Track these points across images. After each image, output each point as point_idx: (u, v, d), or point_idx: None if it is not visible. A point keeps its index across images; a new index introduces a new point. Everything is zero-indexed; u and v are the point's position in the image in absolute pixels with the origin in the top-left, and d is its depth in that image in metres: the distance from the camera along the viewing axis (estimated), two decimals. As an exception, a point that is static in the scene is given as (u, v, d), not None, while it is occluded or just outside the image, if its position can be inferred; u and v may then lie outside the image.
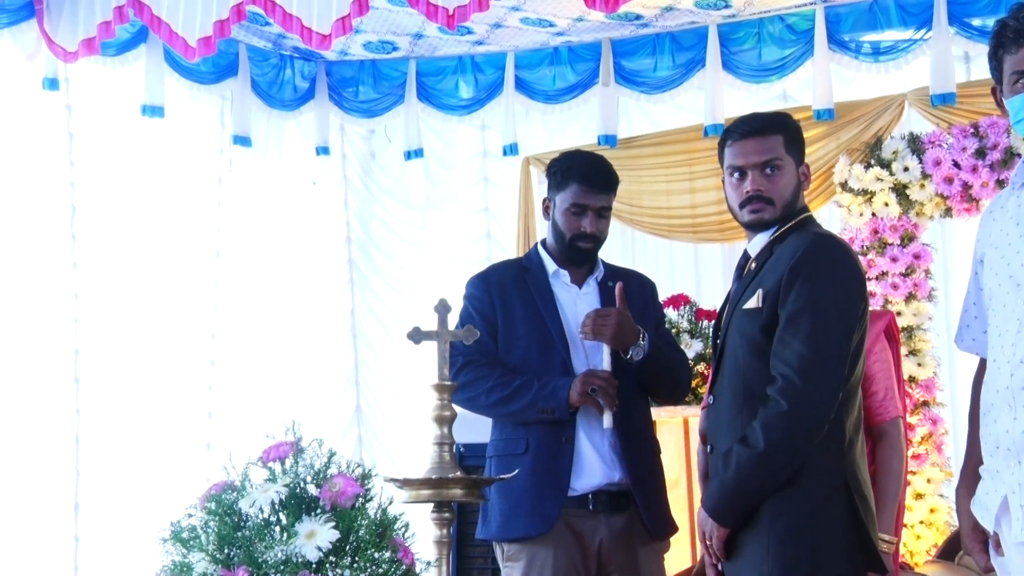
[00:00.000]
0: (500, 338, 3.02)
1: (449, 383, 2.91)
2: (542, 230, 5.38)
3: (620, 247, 5.14)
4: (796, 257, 2.41)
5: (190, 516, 2.40)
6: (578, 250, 3.03)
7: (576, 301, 3.05)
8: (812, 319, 2.35)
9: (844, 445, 2.39)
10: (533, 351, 2.98)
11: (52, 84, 4.55)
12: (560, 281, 3.07)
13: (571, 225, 3.01)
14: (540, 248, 3.14)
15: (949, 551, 4.22)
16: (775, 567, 2.33)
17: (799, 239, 2.46)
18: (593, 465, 2.92)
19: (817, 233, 2.50)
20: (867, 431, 3.14)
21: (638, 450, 2.95)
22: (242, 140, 5.05)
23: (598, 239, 3.04)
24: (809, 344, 2.33)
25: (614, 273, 3.11)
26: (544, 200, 3.13)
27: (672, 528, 3.06)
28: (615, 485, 2.92)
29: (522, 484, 2.89)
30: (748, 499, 2.36)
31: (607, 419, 2.87)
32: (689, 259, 5.31)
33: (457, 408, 2.91)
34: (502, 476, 2.96)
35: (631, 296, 3.02)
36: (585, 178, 3.00)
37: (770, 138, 2.55)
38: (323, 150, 5.41)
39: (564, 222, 3.03)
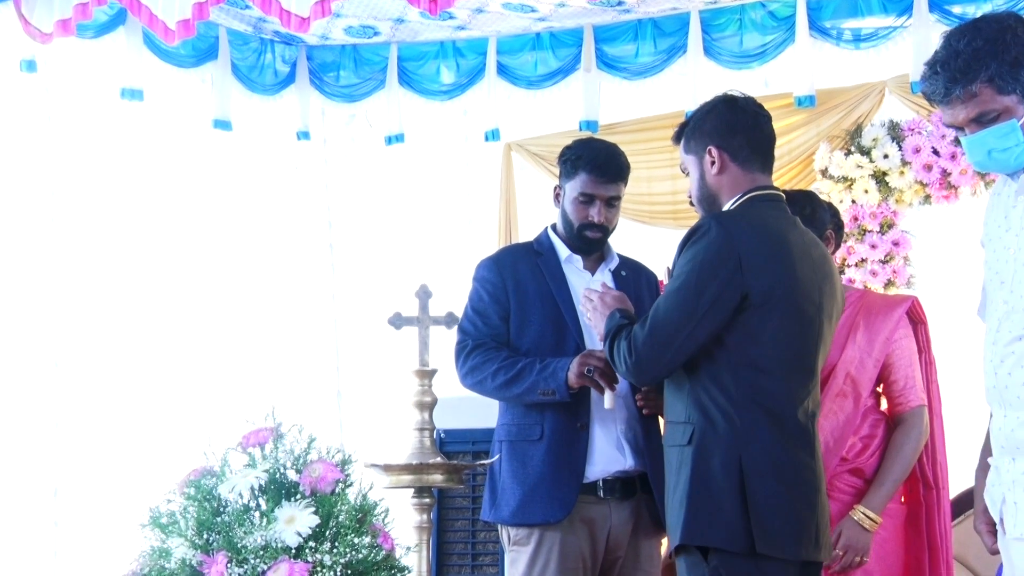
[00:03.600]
0: (513, 322, 3.02)
1: (429, 369, 2.92)
2: (524, 216, 5.39)
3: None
4: (683, 238, 2.55)
5: (169, 502, 2.39)
6: (586, 239, 3.05)
7: (583, 284, 3.05)
8: (667, 292, 2.51)
9: (737, 427, 2.42)
10: (547, 336, 2.98)
11: (30, 66, 4.51)
12: (573, 267, 3.07)
13: (579, 214, 3.02)
14: (551, 233, 3.13)
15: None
16: (681, 519, 2.43)
17: (696, 223, 2.56)
18: (606, 452, 2.92)
19: (710, 215, 2.57)
20: (889, 420, 3.16)
21: (648, 440, 2.95)
22: (222, 124, 5.02)
23: (606, 229, 3.06)
24: (655, 316, 2.49)
25: (626, 264, 3.13)
26: (555, 187, 3.12)
27: None
28: (623, 472, 2.93)
29: (538, 470, 2.90)
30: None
31: (608, 399, 2.85)
32: (671, 246, 5.31)
33: (437, 394, 2.92)
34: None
35: (640, 290, 3.04)
36: (595, 168, 3.00)
37: (679, 149, 2.70)
38: (304, 135, 5.39)
39: (573, 211, 3.03)
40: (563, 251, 3.08)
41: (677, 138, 2.71)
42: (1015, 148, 2.04)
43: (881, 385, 3.19)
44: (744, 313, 2.45)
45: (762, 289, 2.45)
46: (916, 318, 3.23)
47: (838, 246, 3.25)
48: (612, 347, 2.57)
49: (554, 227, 3.14)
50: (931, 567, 3.15)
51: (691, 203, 2.72)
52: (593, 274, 3.08)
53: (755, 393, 2.44)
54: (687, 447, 2.44)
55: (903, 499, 3.21)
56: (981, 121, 2.06)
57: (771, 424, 2.44)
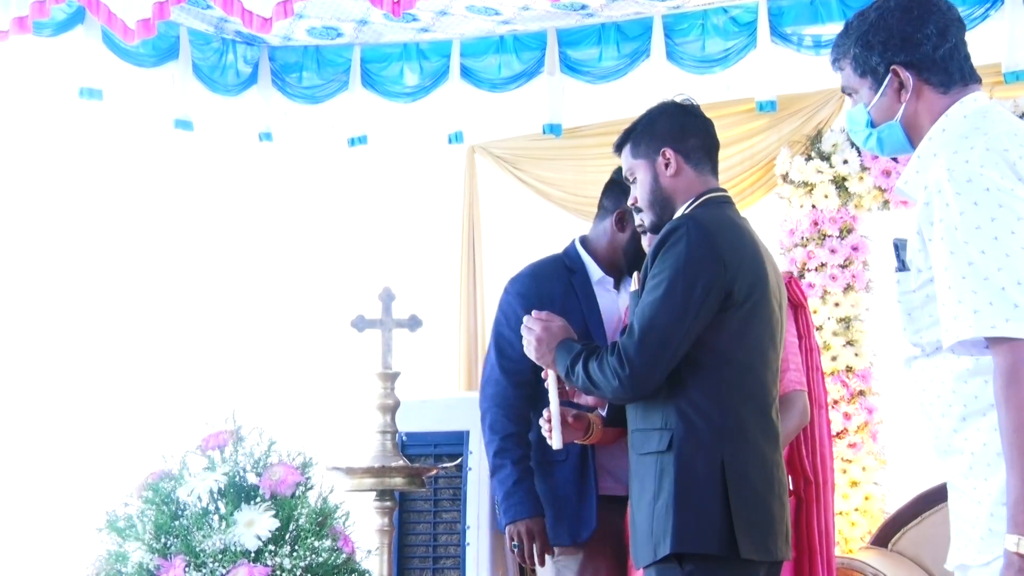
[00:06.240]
0: None
1: (392, 372, 2.91)
2: (487, 218, 5.39)
3: (566, 237, 5.14)
4: (656, 240, 2.47)
5: (126, 505, 2.37)
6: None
7: (612, 305, 3.09)
8: (653, 297, 2.40)
9: (720, 428, 2.39)
10: None
11: (-14, 64, 4.46)
12: (603, 287, 3.09)
13: None
14: (581, 249, 3.13)
15: (883, 538, 4.30)
16: (661, 531, 2.37)
17: (668, 224, 2.50)
18: (618, 471, 2.96)
19: (684, 215, 2.52)
20: None
21: None
22: (183, 124, 4.99)
23: None
24: (643, 323, 2.39)
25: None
26: (619, 211, 3.08)
27: None
28: None
29: (565, 491, 2.95)
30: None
31: (555, 441, 2.71)
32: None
33: (400, 397, 2.91)
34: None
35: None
36: None
37: (622, 156, 2.65)
38: (266, 136, 5.36)
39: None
40: (595, 272, 3.09)
41: (619, 147, 2.66)
42: (863, 131, 2.14)
43: None
44: (724, 312, 2.43)
45: (743, 287, 2.44)
46: (795, 300, 3.09)
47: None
48: (588, 370, 2.46)
49: (583, 243, 3.11)
50: (810, 567, 3.00)
51: (636, 209, 2.66)
52: (619, 292, 3.11)
53: (737, 393, 2.42)
54: (666, 453, 2.39)
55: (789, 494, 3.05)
56: (849, 94, 2.17)
57: (751, 424, 2.43)
